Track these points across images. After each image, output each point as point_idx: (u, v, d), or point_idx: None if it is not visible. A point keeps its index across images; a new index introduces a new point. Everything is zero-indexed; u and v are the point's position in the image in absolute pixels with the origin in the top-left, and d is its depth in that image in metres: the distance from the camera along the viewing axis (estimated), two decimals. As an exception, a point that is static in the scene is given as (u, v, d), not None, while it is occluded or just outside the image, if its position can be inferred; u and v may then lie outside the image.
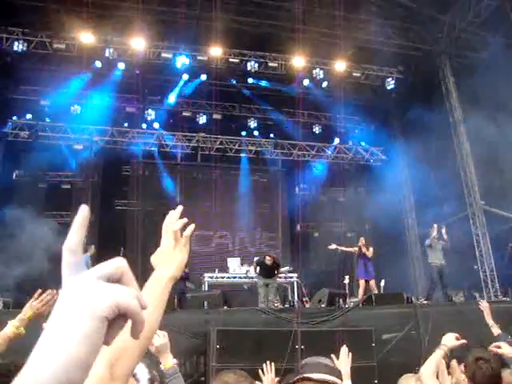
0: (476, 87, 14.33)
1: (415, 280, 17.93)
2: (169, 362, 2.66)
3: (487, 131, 14.05)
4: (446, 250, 12.09)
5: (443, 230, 12.32)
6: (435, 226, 12.28)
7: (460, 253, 15.25)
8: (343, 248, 13.32)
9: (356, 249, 12.69)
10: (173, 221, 1.44)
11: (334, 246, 13.08)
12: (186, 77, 17.43)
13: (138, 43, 15.64)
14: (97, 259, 14.14)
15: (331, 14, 15.62)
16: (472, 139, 15.68)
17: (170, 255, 1.39)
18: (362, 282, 12.27)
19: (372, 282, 12.21)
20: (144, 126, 18.80)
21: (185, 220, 1.43)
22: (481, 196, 15.55)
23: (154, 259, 1.41)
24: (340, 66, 17.07)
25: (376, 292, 11.87)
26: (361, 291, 12.17)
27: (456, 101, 16.22)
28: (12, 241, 12.07)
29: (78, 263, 0.65)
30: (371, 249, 12.51)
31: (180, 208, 1.47)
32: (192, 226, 1.44)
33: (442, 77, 16.65)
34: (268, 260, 11.63)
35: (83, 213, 0.68)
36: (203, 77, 17.75)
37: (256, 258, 12.37)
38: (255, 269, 12.01)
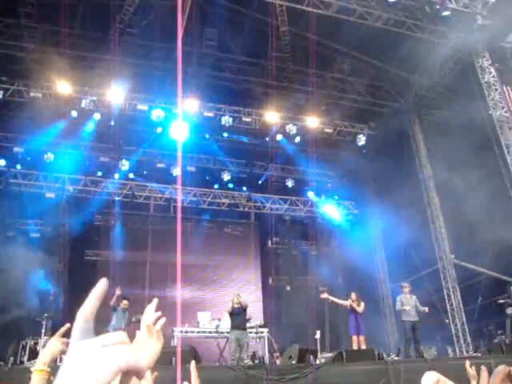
0: (443, 144, 14.86)
1: (388, 335, 17.82)
2: None
3: (455, 186, 14.45)
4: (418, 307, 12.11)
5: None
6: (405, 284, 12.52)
7: (432, 307, 15.32)
8: (335, 299, 12.99)
9: (348, 302, 12.49)
10: (149, 315, 1.58)
11: (325, 295, 12.85)
12: (160, 130, 17.52)
13: (115, 95, 15.81)
14: (68, 310, 13.80)
15: (305, 72, 16.16)
16: (441, 194, 16.08)
17: (145, 347, 1.49)
18: (354, 338, 12.04)
19: (362, 338, 12.00)
20: (117, 176, 18.72)
21: (158, 313, 1.57)
22: (451, 250, 15.78)
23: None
24: (312, 122, 17.47)
25: (364, 348, 11.72)
26: (355, 347, 11.92)
27: (425, 157, 16.71)
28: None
29: (87, 330, 0.74)
30: (362, 304, 12.33)
31: (155, 301, 1.61)
32: (162, 320, 1.55)
33: (411, 134, 17.20)
34: (236, 302, 11.66)
35: (102, 286, 0.78)
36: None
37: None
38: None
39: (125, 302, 12.24)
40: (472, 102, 13.98)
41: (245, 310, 11.92)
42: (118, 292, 11.92)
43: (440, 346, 14.26)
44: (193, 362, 2.05)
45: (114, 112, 16.50)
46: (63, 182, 17.71)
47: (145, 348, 1.49)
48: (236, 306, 11.81)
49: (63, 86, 15.31)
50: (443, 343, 14.58)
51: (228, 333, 11.96)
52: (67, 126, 16.81)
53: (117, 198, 18.54)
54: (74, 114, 16.31)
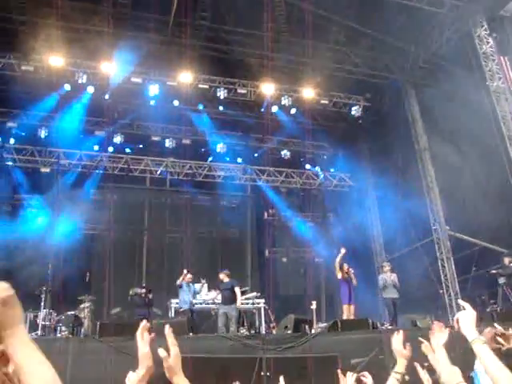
0: (439, 115, 14.80)
1: (382, 306, 18.04)
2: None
3: (451, 158, 14.47)
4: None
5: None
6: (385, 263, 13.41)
7: (426, 277, 15.53)
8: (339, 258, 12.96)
9: (340, 273, 12.70)
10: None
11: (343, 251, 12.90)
12: (153, 102, 17.37)
13: (108, 68, 15.62)
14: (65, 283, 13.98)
15: (300, 42, 15.97)
16: (436, 166, 16.10)
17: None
18: (346, 307, 12.40)
19: (352, 307, 12.40)
20: (112, 149, 18.65)
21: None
22: (446, 221, 15.90)
23: None
24: (308, 93, 17.36)
25: (353, 317, 12.02)
26: (345, 316, 12.23)
27: (421, 129, 16.65)
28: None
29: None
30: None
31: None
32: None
33: (407, 105, 17.10)
34: (224, 275, 12.05)
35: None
36: (175, 103, 17.78)
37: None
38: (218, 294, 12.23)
39: (189, 276, 12.70)
40: (469, 73, 13.88)
41: (232, 286, 12.15)
42: (185, 272, 12.61)
43: (434, 316, 14.48)
44: (167, 327, 2.12)
45: (108, 85, 16.33)
46: (58, 157, 17.63)
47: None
48: (223, 281, 12.05)
49: (55, 59, 15.09)
50: (437, 313, 14.79)
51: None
52: (60, 99, 16.66)
53: (112, 172, 18.48)
54: (67, 87, 16.16)
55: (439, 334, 2.46)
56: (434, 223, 16.06)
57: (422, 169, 16.46)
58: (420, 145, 16.58)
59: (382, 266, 13.64)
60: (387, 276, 12.79)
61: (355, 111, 18.25)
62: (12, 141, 17.57)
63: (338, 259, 12.87)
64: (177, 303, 13.24)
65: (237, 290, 12.16)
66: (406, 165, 16.95)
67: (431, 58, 16.12)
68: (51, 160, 17.62)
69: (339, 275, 12.79)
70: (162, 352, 2.07)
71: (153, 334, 2.11)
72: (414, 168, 16.57)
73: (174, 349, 2.10)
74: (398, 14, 14.90)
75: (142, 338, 2.10)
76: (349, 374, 3.47)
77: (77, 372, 8.02)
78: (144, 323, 2.13)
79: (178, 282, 12.50)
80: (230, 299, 11.93)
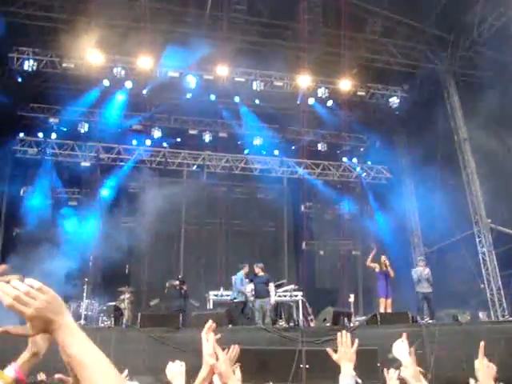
0: (480, 105, 14.41)
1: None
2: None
3: (492, 149, 14.09)
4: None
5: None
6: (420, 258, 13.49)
7: (466, 271, 15.20)
8: (370, 258, 13.11)
9: (377, 266, 12.74)
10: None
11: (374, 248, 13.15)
12: (189, 96, 17.53)
13: (145, 62, 15.82)
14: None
15: (336, 33, 15.80)
16: (477, 157, 15.70)
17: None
18: (382, 300, 12.40)
19: (389, 301, 12.41)
20: (149, 142, 18.95)
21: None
22: (487, 214, 15.50)
23: None
24: (345, 84, 17.17)
25: (390, 311, 11.95)
26: (382, 309, 12.19)
27: (461, 119, 16.25)
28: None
29: None
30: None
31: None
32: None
33: (446, 95, 16.71)
34: (259, 269, 12.13)
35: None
36: (212, 96, 17.91)
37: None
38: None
39: (245, 269, 12.96)
40: (512, 60, 13.48)
41: (268, 280, 12.22)
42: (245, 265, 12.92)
43: (474, 311, 14.19)
44: (211, 335, 2.13)
45: (146, 80, 16.56)
46: (97, 151, 18.03)
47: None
48: (258, 275, 12.10)
49: (94, 56, 15.39)
50: (477, 309, 14.49)
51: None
52: (100, 95, 17.03)
53: (150, 166, 18.77)
54: (106, 82, 16.45)
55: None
56: (474, 216, 15.67)
57: (462, 160, 16.08)
58: (460, 135, 16.19)
59: (419, 259, 13.71)
60: (421, 270, 12.70)
61: (392, 102, 17.96)
62: (54, 135, 18.08)
63: (369, 259, 12.98)
64: (214, 295, 13.47)
65: (271, 285, 12.22)
66: (446, 156, 16.57)
67: (472, 46, 15.71)
68: (91, 154, 18.04)
69: (376, 268, 12.73)
70: (210, 360, 2.06)
71: (219, 335, 2.09)
72: (454, 159, 16.19)
73: (222, 354, 2.09)
74: (437, 0, 14.56)
75: (207, 339, 2.10)
76: (391, 370, 3.45)
77: (119, 360, 8.20)
78: (209, 323, 2.10)
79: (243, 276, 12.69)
80: (264, 293, 12.01)
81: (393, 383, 3.05)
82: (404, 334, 2.79)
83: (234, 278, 13.05)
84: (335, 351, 2.60)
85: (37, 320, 1.19)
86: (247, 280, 12.77)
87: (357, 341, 2.58)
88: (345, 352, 2.53)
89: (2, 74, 15.76)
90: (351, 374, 2.47)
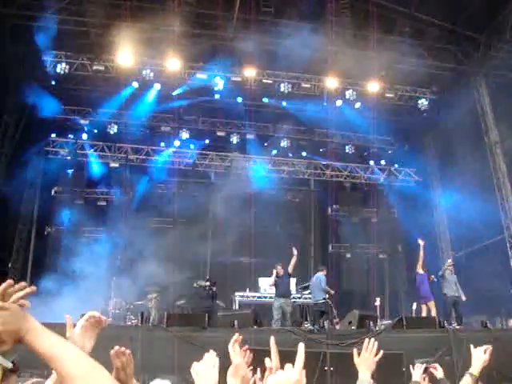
0: (512, 107, 14.12)
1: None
2: None
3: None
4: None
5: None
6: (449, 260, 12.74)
7: (496, 277, 14.88)
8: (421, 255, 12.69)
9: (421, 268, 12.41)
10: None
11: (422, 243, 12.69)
12: (217, 97, 17.64)
13: (173, 64, 16.00)
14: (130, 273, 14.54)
15: (364, 35, 15.70)
16: (508, 161, 15.39)
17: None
18: (433, 303, 12.05)
19: (432, 303, 12.07)
20: (178, 143, 19.16)
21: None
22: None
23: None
24: (373, 86, 17.05)
25: (433, 313, 11.66)
26: (433, 312, 11.84)
27: (492, 121, 15.94)
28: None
29: None
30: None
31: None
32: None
33: (477, 97, 16.41)
34: (280, 268, 11.93)
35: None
36: (240, 98, 18.01)
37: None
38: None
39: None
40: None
41: (289, 276, 12.08)
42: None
43: (504, 318, 13.92)
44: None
45: (174, 81, 16.74)
46: (126, 152, 18.32)
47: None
48: (279, 275, 11.97)
49: (124, 58, 15.64)
50: (508, 315, 14.20)
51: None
52: (129, 97, 17.29)
53: (178, 167, 18.98)
54: (135, 85, 16.70)
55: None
56: (505, 221, 15.36)
57: (493, 164, 15.77)
58: (491, 138, 15.89)
59: (449, 260, 13.23)
60: (450, 274, 12.34)
61: (421, 104, 17.75)
62: (84, 136, 18.45)
63: (421, 253, 12.46)
64: (240, 296, 13.52)
65: (292, 280, 12.15)
66: (475, 159, 16.27)
67: (503, 47, 15.41)
68: (120, 155, 18.34)
69: (420, 270, 12.41)
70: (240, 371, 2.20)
71: (246, 346, 2.17)
72: (484, 163, 15.89)
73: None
74: (468, 1, 14.34)
75: (234, 351, 2.20)
76: (417, 365, 3.47)
77: (146, 358, 8.33)
78: (236, 336, 2.19)
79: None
80: (287, 292, 12.00)
81: (417, 378, 3.09)
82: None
83: (314, 279, 12.61)
84: (359, 354, 2.62)
85: (5, 334, 1.28)
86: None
87: (382, 351, 2.59)
88: (366, 358, 2.55)
89: (38, 77, 16.15)
90: (368, 381, 2.49)
